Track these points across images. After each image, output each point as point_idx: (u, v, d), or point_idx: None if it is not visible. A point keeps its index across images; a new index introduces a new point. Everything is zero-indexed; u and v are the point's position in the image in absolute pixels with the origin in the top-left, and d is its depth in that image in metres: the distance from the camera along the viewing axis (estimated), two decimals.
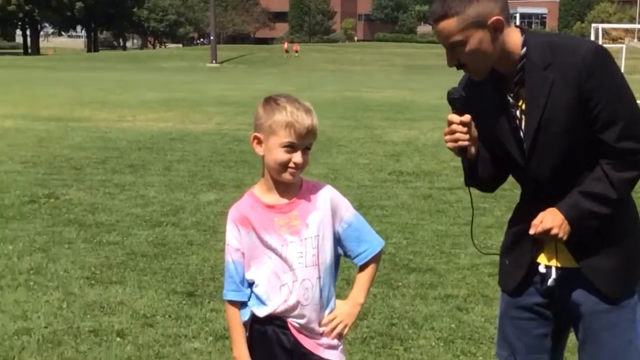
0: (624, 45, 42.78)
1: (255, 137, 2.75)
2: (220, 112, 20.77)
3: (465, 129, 2.75)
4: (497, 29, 2.63)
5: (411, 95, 29.85)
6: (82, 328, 5.03)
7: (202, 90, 30.10)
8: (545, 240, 2.78)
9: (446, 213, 8.58)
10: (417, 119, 19.64)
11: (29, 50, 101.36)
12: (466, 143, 2.77)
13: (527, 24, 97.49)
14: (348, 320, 2.85)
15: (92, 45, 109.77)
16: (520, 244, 2.90)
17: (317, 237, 2.75)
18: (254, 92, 26.61)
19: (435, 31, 2.69)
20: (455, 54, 2.68)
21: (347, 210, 2.83)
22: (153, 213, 8.35)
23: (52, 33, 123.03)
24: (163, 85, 33.75)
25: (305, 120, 2.67)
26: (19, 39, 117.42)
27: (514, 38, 2.70)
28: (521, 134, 2.76)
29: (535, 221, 2.72)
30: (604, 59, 2.63)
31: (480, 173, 2.90)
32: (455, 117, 2.75)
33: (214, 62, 64.91)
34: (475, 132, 2.80)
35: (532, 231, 2.73)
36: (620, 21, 78.28)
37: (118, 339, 4.87)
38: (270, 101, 2.73)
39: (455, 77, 2.98)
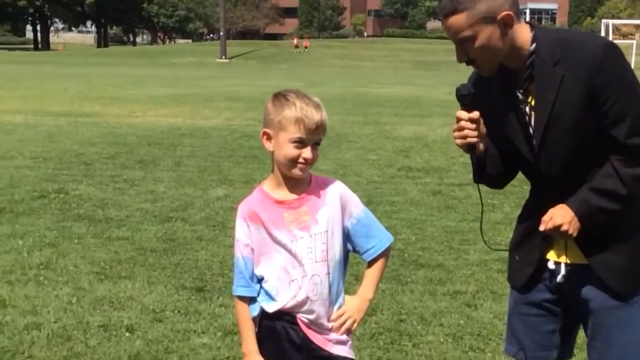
0: (634, 41, 42.65)
1: (265, 133, 2.75)
2: (229, 107, 20.78)
3: (473, 126, 2.75)
4: (506, 24, 2.63)
5: (420, 91, 29.80)
6: (91, 323, 5.04)
7: (211, 86, 30.13)
8: (554, 236, 2.78)
9: (455, 209, 8.56)
10: (427, 114, 19.61)
11: (39, 46, 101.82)
12: (475, 140, 2.77)
13: (537, 19, 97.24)
14: (357, 315, 2.85)
15: (102, 41, 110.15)
16: (529, 240, 2.89)
17: (327, 233, 2.75)
18: (264, 88, 26.61)
19: (445, 27, 2.69)
20: (465, 50, 2.68)
21: (357, 206, 2.83)
22: (162, 208, 8.37)
23: (62, 28, 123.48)
24: (173, 80, 33.78)
25: (314, 116, 2.67)
26: (29, 34, 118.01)
27: (523, 34, 2.69)
28: (530, 130, 2.75)
29: (545, 217, 2.72)
30: (614, 55, 2.62)
31: (489, 170, 2.90)
32: (463, 114, 2.75)
33: (224, 57, 64.84)
34: (483, 129, 2.79)
35: (542, 227, 2.73)
36: (630, 17, 77.79)
37: (127, 334, 4.89)
38: (280, 97, 2.73)
39: (465, 73, 2.97)
